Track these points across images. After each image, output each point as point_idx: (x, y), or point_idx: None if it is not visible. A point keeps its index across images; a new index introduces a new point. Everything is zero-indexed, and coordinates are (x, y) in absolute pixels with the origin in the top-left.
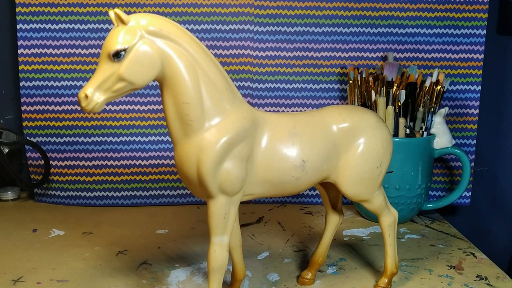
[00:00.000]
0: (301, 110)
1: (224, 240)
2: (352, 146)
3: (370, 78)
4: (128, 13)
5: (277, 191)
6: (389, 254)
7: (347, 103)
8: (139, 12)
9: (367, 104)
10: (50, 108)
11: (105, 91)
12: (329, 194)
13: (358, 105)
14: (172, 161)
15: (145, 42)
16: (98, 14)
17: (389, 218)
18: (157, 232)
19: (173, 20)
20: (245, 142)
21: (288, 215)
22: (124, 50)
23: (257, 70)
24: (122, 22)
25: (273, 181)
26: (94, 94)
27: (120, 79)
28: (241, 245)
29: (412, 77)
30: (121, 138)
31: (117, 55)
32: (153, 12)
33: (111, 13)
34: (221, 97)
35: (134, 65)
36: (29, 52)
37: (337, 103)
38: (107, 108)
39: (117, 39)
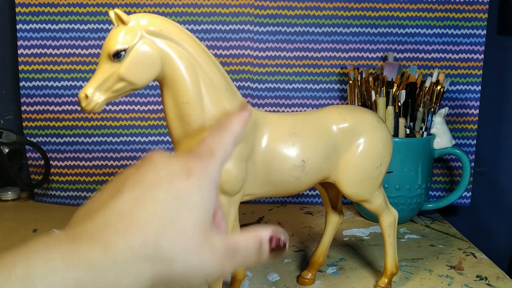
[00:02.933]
0: (301, 110)
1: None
2: (352, 146)
3: (370, 78)
4: (128, 13)
5: (277, 191)
6: (389, 254)
7: (347, 103)
8: (139, 12)
9: (367, 104)
10: (50, 108)
11: (105, 91)
12: (329, 194)
13: (358, 105)
14: None
15: (145, 42)
16: (98, 14)
17: (389, 218)
18: None
19: (173, 20)
20: (245, 142)
21: (288, 215)
22: (124, 50)
23: (257, 70)
24: (122, 22)
25: (273, 181)
26: (94, 94)
27: (120, 79)
28: None
29: (412, 77)
30: (121, 138)
31: (117, 55)
32: (153, 12)
33: (111, 13)
34: (221, 97)
35: (134, 65)
36: (29, 52)
37: (337, 103)
38: (107, 108)
39: (117, 39)
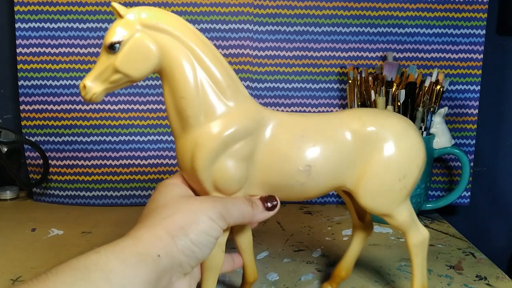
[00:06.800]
0: (300, 110)
1: (221, 239)
2: (371, 154)
3: (370, 78)
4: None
5: (281, 194)
6: (417, 277)
7: (346, 103)
8: None
9: (367, 103)
10: (49, 108)
11: (103, 82)
12: (354, 204)
13: (358, 104)
14: (172, 161)
15: (141, 36)
16: (97, 13)
17: (416, 237)
18: None
19: None
20: (245, 140)
21: (288, 214)
22: (119, 42)
23: (257, 70)
24: (119, 15)
25: (275, 184)
26: (92, 84)
27: (115, 71)
28: (251, 247)
29: (411, 77)
30: (120, 137)
31: (112, 47)
32: None
33: (112, 5)
34: (222, 93)
35: (129, 58)
36: (28, 51)
37: (337, 103)
38: (106, 107)
39: (113, 32)
